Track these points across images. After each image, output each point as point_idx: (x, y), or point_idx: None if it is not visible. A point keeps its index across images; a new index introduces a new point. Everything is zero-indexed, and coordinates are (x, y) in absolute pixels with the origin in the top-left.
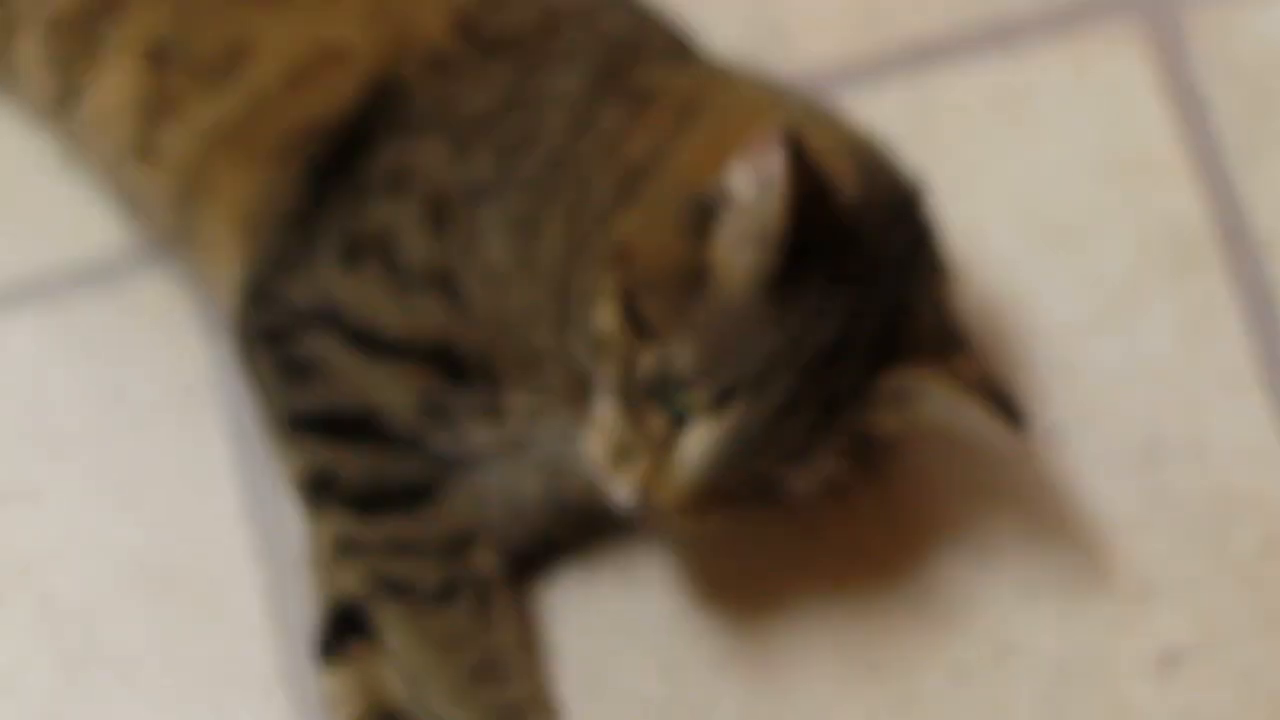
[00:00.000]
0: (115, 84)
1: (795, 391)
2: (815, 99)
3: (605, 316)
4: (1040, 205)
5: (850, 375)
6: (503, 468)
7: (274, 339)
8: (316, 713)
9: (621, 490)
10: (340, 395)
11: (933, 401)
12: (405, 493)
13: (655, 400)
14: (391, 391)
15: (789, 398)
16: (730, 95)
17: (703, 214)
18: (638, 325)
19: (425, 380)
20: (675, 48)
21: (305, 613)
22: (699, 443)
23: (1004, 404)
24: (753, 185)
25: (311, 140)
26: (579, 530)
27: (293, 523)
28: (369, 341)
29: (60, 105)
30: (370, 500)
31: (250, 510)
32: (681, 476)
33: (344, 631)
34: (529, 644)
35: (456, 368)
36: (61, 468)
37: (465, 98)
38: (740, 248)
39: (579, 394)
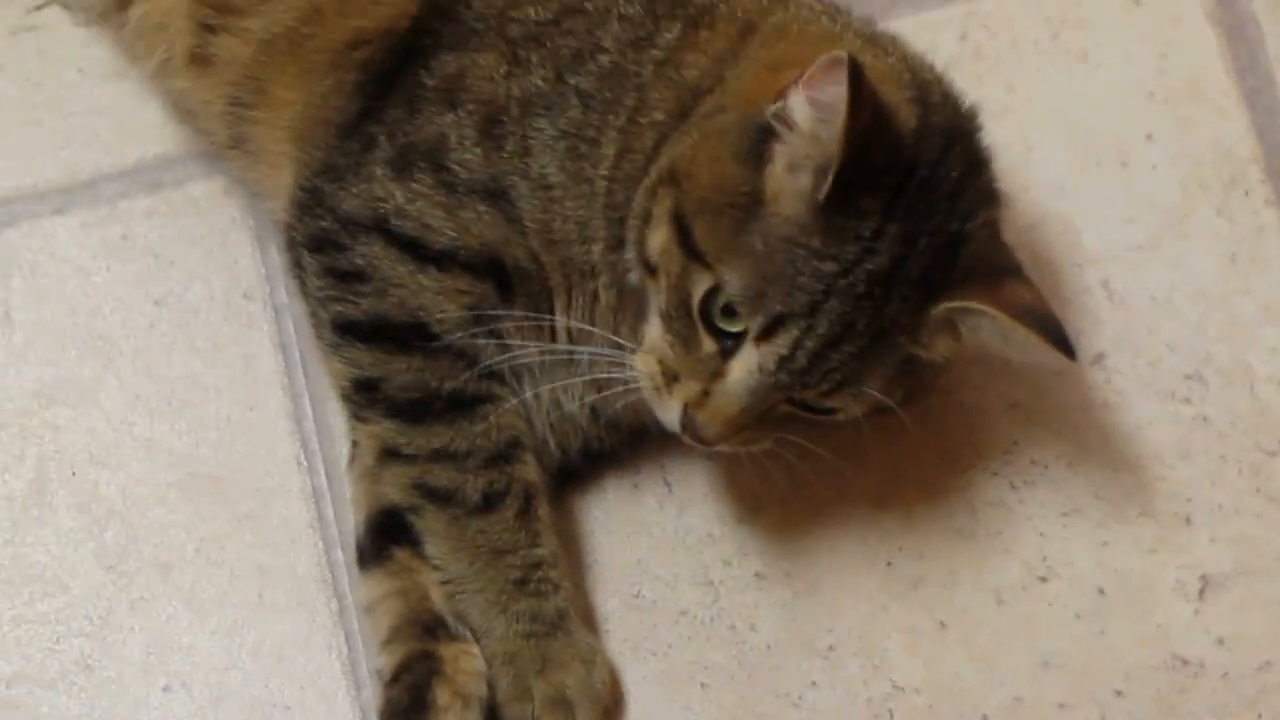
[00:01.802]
0: None
1: (846, 320)
2: (873, 23)
3: (658, 239)
4: (1091, 130)
5: (901, 304)
6: (549, 381)
7: (323, 246)
8: (354, 617)
9: (669, 413)
10: (388, 304)
11: (982, 329)
12: (450, 402)
13: (706, 326)
14: (439, 301)
15: (839, 326)
16: (789, 18)
17: (760, 139)
18: (690, 250)
19: (474, 292)
20: None
21: (347, 521)
22: (747, 369)
23: (1052, 331)
24: (812, 112)
25: (364, 51)
26: (624, 444)
27: (337, 431)
28: (418, 250)
29: (116, 9)
30: (415, 409)
31: (296, 418)
32: (729, 402)
33: (385, 540)
34: (570, 556)
35: (505, 282)
36: (109, 370)
37: (521, 10)
38: (796, 174)
39: (628, 312)
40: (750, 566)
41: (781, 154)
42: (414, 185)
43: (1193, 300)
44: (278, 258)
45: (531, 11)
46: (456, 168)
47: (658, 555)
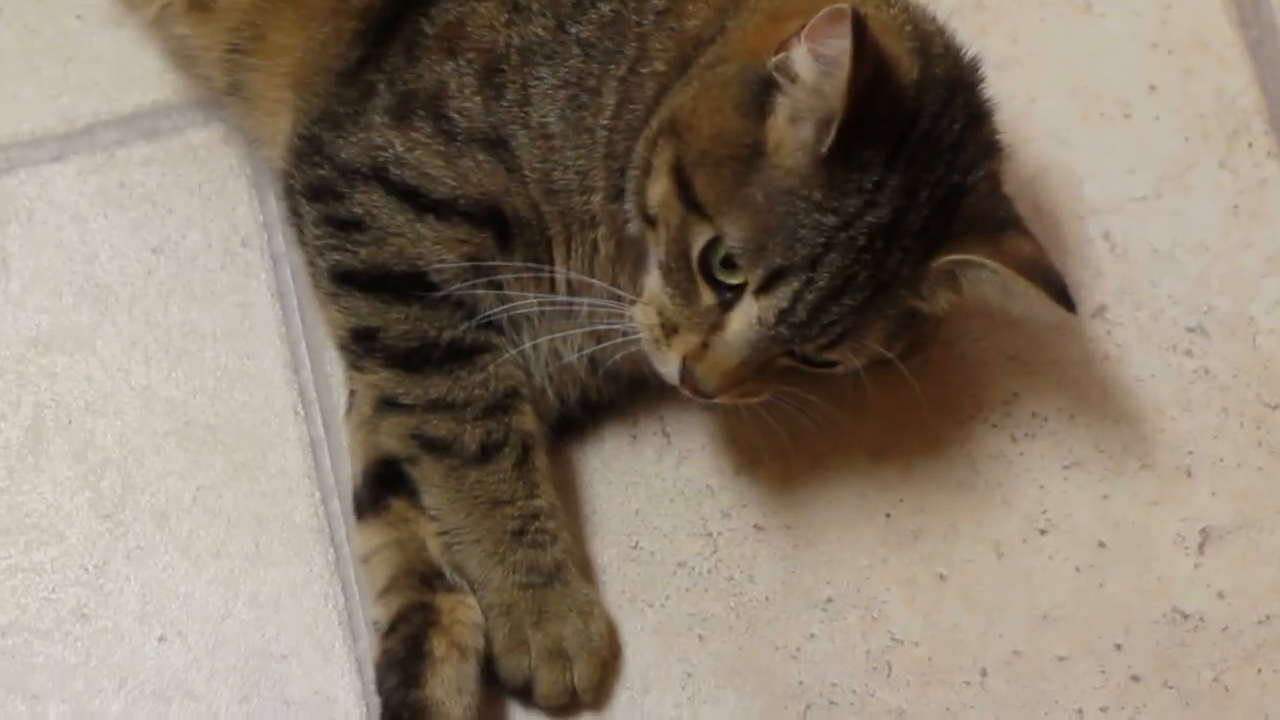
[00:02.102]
0: None
1: (846, 273)
2: None
3: (658, 190)
4: (1094, 81)
5: (903, 257)
6: (547, 332)
7: (322, 194)
8: (350, 567)
9: (668, 365)
10: (386, 252)
11: (983, 281)
12: (448, 352)
13: (705, 278)
14: (438, 250)
15: (840, 279)
16: None
17: (761, 90)
18: (691, 201)
19: (472, 241)
20: None
21: (344, 470)
22: (746, 322)
23: (1053, 284)
24: (815, 64)
25: None
26: (622, 395)
27: (335, 380)
28: (417, 199)
29: None
30: (413, 358)
31: (293, 366)
32: (727, 355)
33: (382, 490)
34: (568, 507)
35: (504, 231)
36: (106, 318)
37: None
38: (798, 126)
39: (627, 263)
40: (749, 518)
41: (783, 106)
42: (413, 134)
43: (1195, 252)
44: (275, 206)
45: None
46: (456, 116)
47: (656, 506)
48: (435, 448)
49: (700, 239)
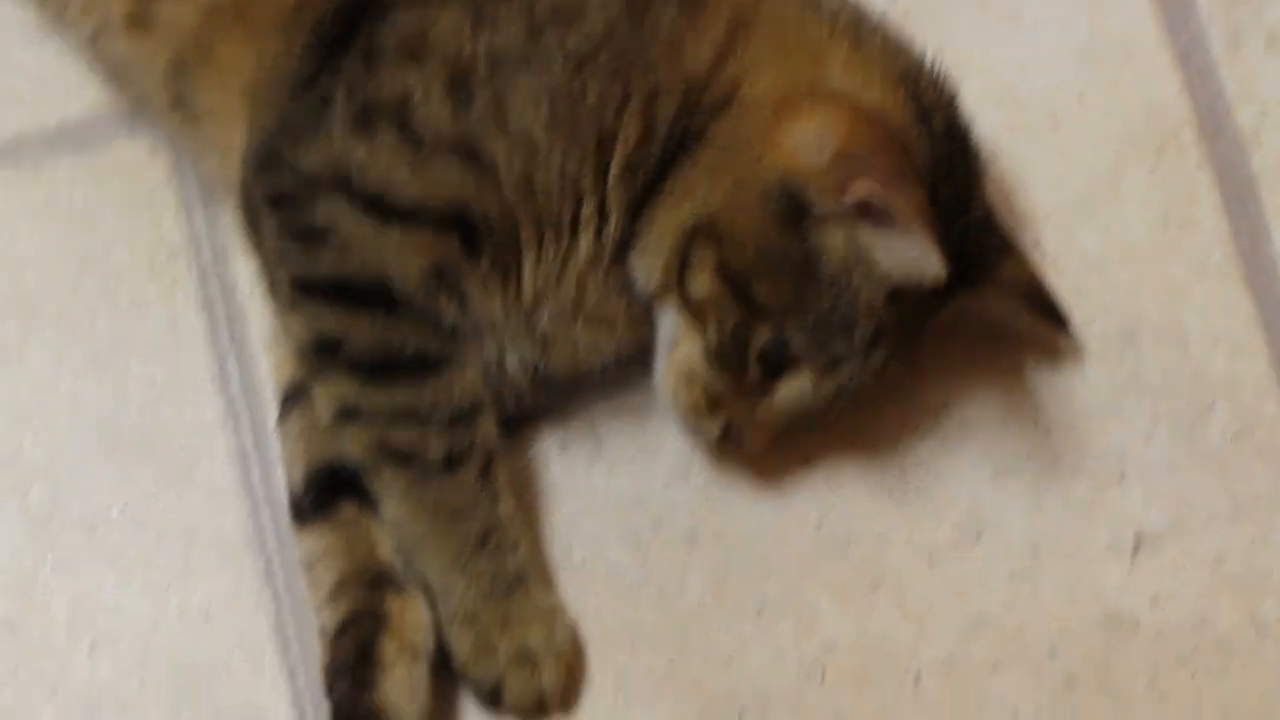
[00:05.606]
0: None
1: (895, 346)
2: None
3: (703, 288)
4: (1024, 92)
5: (934, 310)
6: (509, 340)
7: (282, 204)
8: (280, 578)
9: (712, 433)
10: (350, 262)
11: (989, 312)
12: (414, 362)
13: (759, 360)
14: (402, 259)
15: (890, 354)
16: (779, 12)
17: (794, 205)
18: (752, 305)
19: (438, 248)
20: None
21: (274, 481)
22: (799, 391)
23: (1050, 311)
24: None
25: (313, 13)
26: (555, 401)
27: (265, 393)
28: (381, 207)
29: None
30: (377, 367)
31: (222, 379)
32: (776, 419)
33: (330, 495)
34: (525, 514)
35: (472, 236)
36: (33, 330)
37: None
38: (870, 267)
39: (600, 273)
40: (679, 528)
41: (849, 242)
42: (377, 141)
43: (1125, 261)
44: (203, 218)
45: None
46: (422, 124)
47: (586, 516)
48: (398, 458)
49: (762, 337)
